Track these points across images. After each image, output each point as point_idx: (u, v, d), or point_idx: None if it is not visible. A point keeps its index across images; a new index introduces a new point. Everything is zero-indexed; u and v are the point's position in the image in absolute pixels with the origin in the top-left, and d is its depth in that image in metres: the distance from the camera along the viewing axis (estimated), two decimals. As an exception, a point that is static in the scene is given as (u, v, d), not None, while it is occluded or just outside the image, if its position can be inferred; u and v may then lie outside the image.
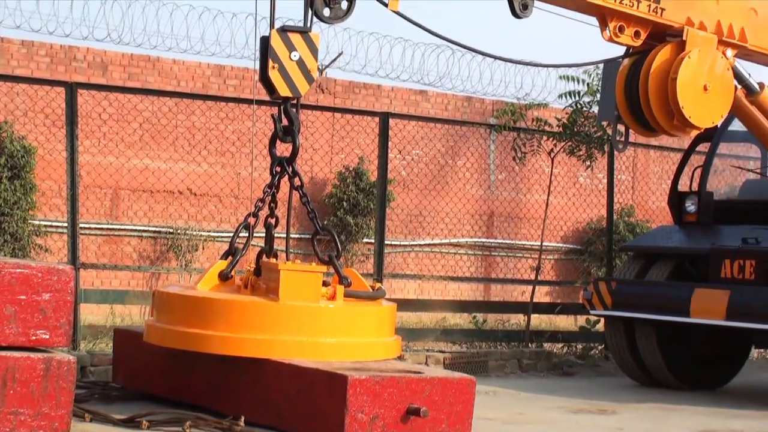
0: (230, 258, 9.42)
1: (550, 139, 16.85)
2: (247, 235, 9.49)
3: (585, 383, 13.49)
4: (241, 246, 9.47)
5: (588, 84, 16.20)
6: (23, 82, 16.54)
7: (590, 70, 15.77)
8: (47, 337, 6.99)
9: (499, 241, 22.75)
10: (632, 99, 11.06)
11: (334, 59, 19.27)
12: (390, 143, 14.78)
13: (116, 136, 18.88)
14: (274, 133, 9.55)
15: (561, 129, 16.63)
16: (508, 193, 22.65)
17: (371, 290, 9.64)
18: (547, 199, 17.26)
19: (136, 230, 19.38)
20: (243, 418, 8.48)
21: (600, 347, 15.04)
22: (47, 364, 6.91)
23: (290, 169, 9.58)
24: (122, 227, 19.30)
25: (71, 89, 12.96)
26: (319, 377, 8.36)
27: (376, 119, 15.03)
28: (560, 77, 16.47)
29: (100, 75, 18.89)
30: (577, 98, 16.40)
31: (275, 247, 9.64)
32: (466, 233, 22.08)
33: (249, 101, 16.56)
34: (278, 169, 9.58)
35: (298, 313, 8.90)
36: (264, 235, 9.66)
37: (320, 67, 19.35)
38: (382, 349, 9.30)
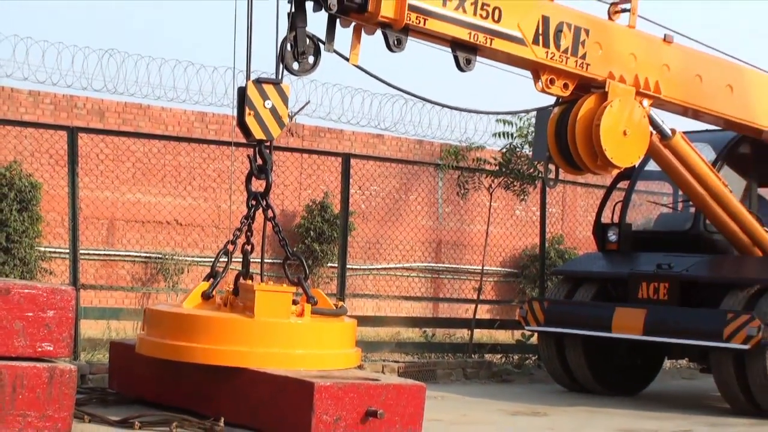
0: (212, 280, 9.42)
1: (489, 176, 16.92)
2: (226, 260, 9.49)
3: (521, 389, 13.49)
4: (221, 269, 9.46)
5: (519, 127, 16.33)
6: (30, 127, 16.50)
7: (523, 116, 15.88)
8: (51, 348, 6.96)
9: (446, 265, 22.75)
10: (561, 142, 11.10)
11: (302, 107, 19.19)
12: (351, 180, 14.80)
13: (112, 174, 18.82)
14: (250, 171, 9.57)
15: (497, 167, 16.70)
16: (453, 224, 22.69)
17: (335, 308, 9.64)
18: (487, 229, 17.30)
19: (129, 256, 19.30)
20: (223, 420, 8.47)
21: (534, 358, 15.04)
22: (51, 373, 6.88)
23: (264, 202, 9.60)
24: (117, 253, 19.21)
25: (72, 133, 12.93)
26: (289, 384, 8.37)
27: (339, 159, 15.06)
28: (497, 120, 16.59)
29: (98, 120, 18.83)
30: (510, 139, 16.52)
31: (251, 270, 9.63)
32: (418, 258, 22.09)
33: (227, 143, 16.52)
34: (254, 202, 9.60)
35: (271, 328, 8.91)
36: (241, 259, 9.65)
37: (290, 114, 19.29)
38: (344, 360, 9.31)
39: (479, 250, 20.00)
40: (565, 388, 13.27)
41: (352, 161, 15.18)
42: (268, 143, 9.52)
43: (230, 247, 9.54)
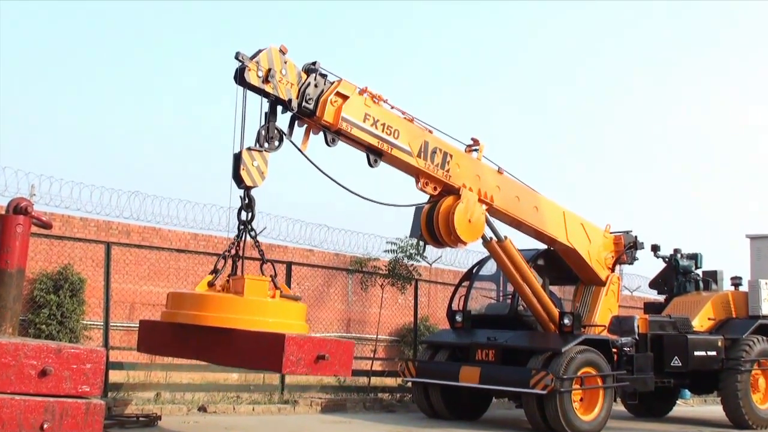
0: (214, 274, 9.38)
1: (381, 277, 17.05)
2: (224, 262, 9.44)
3: (401, 416, 13.45)
4: (220, 267, 9.41)
5: (400, 246, 16.54)
6: (80, 241, 16.27)
7: (404, 239, 16.12)
8: (88, 389, 6.83)
9: (354, 334, 22.57)
10: (429, 225, 11.35)
11: (261, 231, 19.22)
12: (292, 278, 14.80)
13: (133, 273, 18.53)
14: (240, 207, 9.51)
15: (387, 272, 16.84)
16: (358, 308, 22.60)
17: (294, 297, 9.65)
18: (380, 311, 17.37)
19: (143, 327, 18.92)
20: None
21: (410, 396, 15.01)
22: (87, 406, 6.75)
23: (249, 227, 9.58)
24: (136, 326, 18.80)
25: (108, 246, 12.83)
26: (269, 337, 8.46)
27: (285, 265, 15.06)
28: (387, 242, 16.87)
29: (126, 237, 18.59)
30: (395, 254, 16.70)
31: (238, 270, 9.66)
32: (335, 329, 21.90)
33: (213, 254, 16.50)
34: (242, 227, 9.55)
35: (255, 303, 8.95)
36: (232, 263, 9.62)
37: (253, 236, 19.31)
38: (299, 327, 9.23)
39: (375, 324, 19.97)
40: (428, 416, 13.25)
41: (294, 267, 15.20)
42: (253, 188, 9.43)
43: (227, 254, 9.50)
